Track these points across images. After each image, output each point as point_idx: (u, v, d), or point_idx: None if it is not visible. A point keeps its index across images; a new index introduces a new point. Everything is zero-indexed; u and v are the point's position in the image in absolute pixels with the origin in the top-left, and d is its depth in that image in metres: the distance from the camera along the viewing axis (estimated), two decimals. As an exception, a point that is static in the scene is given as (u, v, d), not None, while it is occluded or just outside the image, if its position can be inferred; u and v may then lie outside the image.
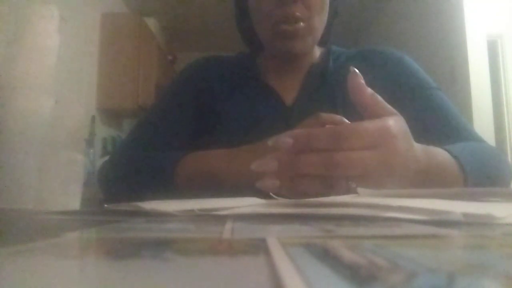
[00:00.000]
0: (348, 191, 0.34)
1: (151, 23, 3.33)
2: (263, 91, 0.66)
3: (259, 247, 0.13)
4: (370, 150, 0.34)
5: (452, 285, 0.08)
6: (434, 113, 0.62)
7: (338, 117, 0.45)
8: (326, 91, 0.65)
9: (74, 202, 0.41)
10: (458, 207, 0.21)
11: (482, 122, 2.18)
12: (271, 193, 0.37)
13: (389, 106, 0.39)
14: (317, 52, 0.71)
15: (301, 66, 0.67)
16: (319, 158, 0.34)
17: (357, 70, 0.38)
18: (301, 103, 0.64)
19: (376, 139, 0.35)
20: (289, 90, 0.66)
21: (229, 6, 0.72)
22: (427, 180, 0.40)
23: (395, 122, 0.36)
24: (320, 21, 0.62)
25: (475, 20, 2.30)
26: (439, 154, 0.45)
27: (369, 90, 0.38)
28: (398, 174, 0.36)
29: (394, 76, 0.66)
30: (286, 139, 0.35)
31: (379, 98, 0.38)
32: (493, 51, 2.36)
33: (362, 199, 0.28)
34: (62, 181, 0.40)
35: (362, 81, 0.38)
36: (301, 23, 0.59)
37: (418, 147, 0.40)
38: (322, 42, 0.71)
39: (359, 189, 0.32)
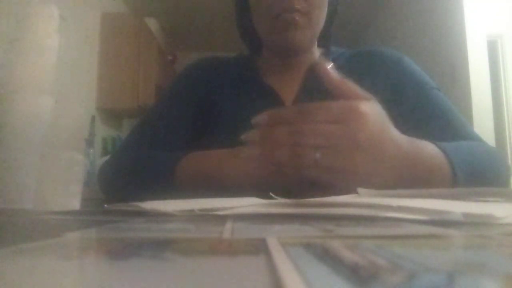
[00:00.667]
0: (315, 164, 0.38)
1: (151, 23, 3.33)
2: (262, 91, 0.66)
3: (259, 247, 0.13)
4: (334, 124, 0.38)
5: (452, 285, 0.08)
6: (433, 113, 0.62)
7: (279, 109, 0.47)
8: (325, 91, 0.65)
9: (74, 202, 0.41)
10: (458, 207, 0.21)
11: (482, 122, 2.18)
12: (271, 193, 0.37)
13: (363, 93, 0.42)
14: (317, 52, 0.71)
15: (300, 65, 0.67)
16: (287, 128, 0.39)
17: (323, 63, 0.42)
18: (301, 102, 0.64)
19: (340, 115, 0.39)
20: (288, 90, 0.66)
21: (229, 6, 0.73)
22: (415, 172, 0.41)
23: (365, 104, 0.40)
24: (319, 15, 0.62)
25: (475, 20, 2.30)
26: (428, 146, 0.45)
27: (337, 76, 0.42)
28: (368, 153, 0.38)
29: (393, 76, 0.66)
30: (262, 116, 0.42)
31: (351, 84, 0.42)
32: (493, 51, 2.36)
33: (362, 199, 0.28)
34: (62, 181, 0.40)
35: (328, 68, 0.42)
36: (300, 15, 0.60)
37: (402, 136, 0.42)
38: (322, 43, 0.71)
39: (359, 189, 0.32)
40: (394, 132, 0.41)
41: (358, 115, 0.38)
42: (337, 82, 0.41)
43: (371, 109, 0.39)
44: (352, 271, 0.09)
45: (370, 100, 0.40)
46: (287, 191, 0.40)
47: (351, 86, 0.41)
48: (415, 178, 0.42)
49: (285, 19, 0.60)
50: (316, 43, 0.69)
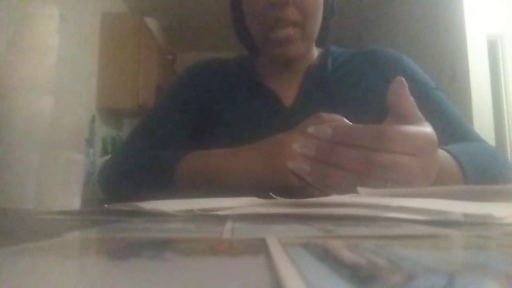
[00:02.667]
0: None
1: (151, 23, 3.33)
2: (262, 93, 0.66)
3: (259, 247, 0.13)
4: (415, 157, 0.33)
5: (452, 285, 0.08)
6: (433, 113, 0.62)
7: (338, 117, 0.45)
8: (325, 91, 0.65)
9: (74, 202, 0.41)
10: (458, 207, 0.21)
11: (482, 122, 2.18)
12: (271, 193, 0.37)
13: (421, 115, 0.38)
14: (315, 52, 0.71)
15: (299, 67, 0.67)
16: (360, 154, 0.33)
17: (403, 80, 0.38)
18: (300, 104, 0.64)
19: (420, 146, 0.34)
20: (288, 91, 0.66)
21: (229, 7, 0.73)
22: (435, 181, 0.40)
23: (433, 131, 0.36)
24: (314, 24, 0.62)
25: (475, 20, 2.30)
26: (442, 155, 0.45)
27: (412, 99, 0.37)
28: (431, 181, 0.35)
29: (393, 76, 0.65)
30: (326, 128, 0.35)
31: (416, 107, 0.38)
32: (493, 51, 2.36)
33: (362, 199, 0.28)
34: (62, 181, 0.40)
35: (407, 89, 0.37)
36: (294, 28, 0.58)
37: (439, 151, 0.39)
38: (320, 43, 0.71)
39: (359, 189, 0.32)
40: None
41: (433, 147, 0.35)
42: (410, 107, 0.37)
43: (436, 137, 0.36)
44: (352, 271, 0.09)
45: (430, 125, 0.37)
46: (287, 191, 0.40)
47: (417, 110, 0.38)
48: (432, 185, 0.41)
49: (279, 34, 0.58)
50: (313, 45, 0.69)
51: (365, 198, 0.28)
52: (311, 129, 0.36)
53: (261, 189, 0.41)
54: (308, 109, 0.56)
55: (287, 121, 0.60)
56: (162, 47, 3.58)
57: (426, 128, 0.36)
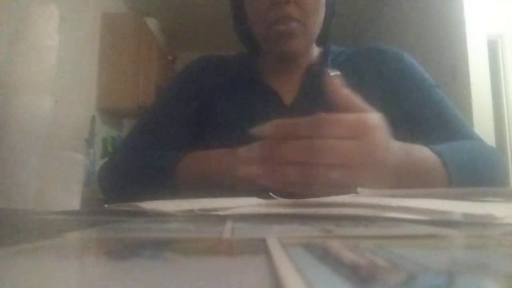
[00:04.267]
0: (328, 182, 0.34)
1: (151, 23, 3.33)
2: (262, 91, 0.66)
3: (259, 247, 0.13)
4: (351, 140, 0.35)
5: (452, 285, 0.08)
6: (432, 111, 0.62)
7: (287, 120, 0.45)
8: (325, 91, 0.65)
9: (74, 202, 0.41)
10: (458, 207, 0.21)
11: (482, 121, 2.18)
12: (271, 193, 0.37)
13: (365, 105, 0.39)
14: (316, 51, 0.71)
15: (299, 65, 0.67)
16: (299, 143, 0.35)
17: (333, 73, 0.39)
18: (300, 102, 0.64)
19: (356, 129, 0.36)
20: (288, 90, 0.66)
21: (229, 7, 0.73)
22: (406, 175, 0.41)
23: (373, 116, 0.37)
24: (315, 22, 0.62)
25: (475, 20, 2.30)
26: (419, 150, 0.45)
27: (345, 91, 0.39)
28: (377, 167, 0.37)
29: (393, 74, 0.66)
30: (267, 126, 0.37)
31: (355, 98, 0.39)
32: (493, 51, 2.36)
33: (362, 199, 0.28)
34: (62, 181, 0.40)
35: (338, 81, 0.39)
36: (295, 23, 0.59)
37: (395, 143, 0.40)
38: (321, 42, 0.71)
39: (359, 189, 0.32)
40: (393, 143, 0.40)
41: (371, 129, 0.36)
42: (341, 93, 0.39)
43: (378, 122, 0.37)
44: (352, 271, 0.09)
45: (373, 112, 0.38)
46: (287, 192, 0.40)
47: (354, 97, 0.39)
48: (410, 181, 0.41)
49: (280, 29, 0.59)
50: (314, 43, 0.69)
51: (365, 198, 0.28)
52: (255, 131, 0.37)
53: (260, 190, 0.41)
54: (308, 108, 0.56)
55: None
56: (162, 47, 3.58)
57: (363, 113, 0.37)
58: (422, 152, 0.46)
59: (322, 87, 0.40)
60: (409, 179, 0.41)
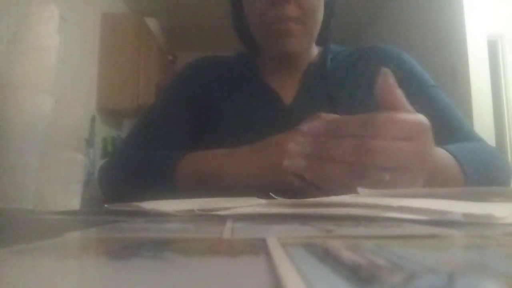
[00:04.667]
0: (380, 184, 0.33)
1: (151, 23, 3.33)
2: (262, 91, 0.66)
3: (259, 247, 0.13)
4: (407, 141, 0.33)
5: (452, 285, 0.08)
6: (433, 111, 0.61)
7: (338, 117, 0.45)
8: (325, 90, 0.65)
9: (74, 202, 0.41)
10: (458, 207, 0.21)
11: (482, 122, 2.18)
12: (271, 193, 0.37)
13: (411, 107, 0.38)
14: (315, 51, 0.71)
15: (299, 65, 0.67)
16: (352, 143, 0.33)
17: (389, 71, 0.37)
18: (300, 102, 0.64)
19: (412, 130, 0.34)
20: (288, 90, 0.66)
21: (229, 7, 0.73)
22: (432, 179, 0.40)
23: (424, 118, 0.36)
24: (315, 21, 0.62)
25: (475, 20, 2.30)
26: (442, 154, 0.45)
27: (398, 90, 0.37)
28: (428, 169, 0.35)
29: (392, 73, 0.65)
30: (318, 124, 0.35)
31: (405, 100, 0.37)
32: (493, 51, 2.36)
33: (362, 199, 0.28)
34: (62, 181, 0.40)
35: (393, 81, 0.37)
36: (294, 23, 0.59)
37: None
38: (321, 41, 0.71)
39: (359, 189, 0.32)
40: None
41: (425, 131, 0.34)
42: (395, 92, 0.37)
43: (429, 123, 0.36)
44: (352, 271, 0.09)
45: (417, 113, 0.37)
46: (287, 192, 0.40)
47: (406, 102, 0.37)
48: (432, 185, 0.41)
49: (279, 28, 0.59)
50: (314, 43, 0.69)
51: (365, 198, 0.28)
52: (304, 127, 0.36)
53: (260, 190, 0.41)
54: (308, 107, 0.56)
55: (287, 119, 0.60)
56: (162, 47, 3.58)
57: (416, 115, 0.36)
58: (444, 155, 0.45)
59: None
60: (434, 182, 0.40)
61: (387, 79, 0.37)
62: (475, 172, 0.47)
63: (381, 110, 0.37)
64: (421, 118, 0.35)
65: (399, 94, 0.37)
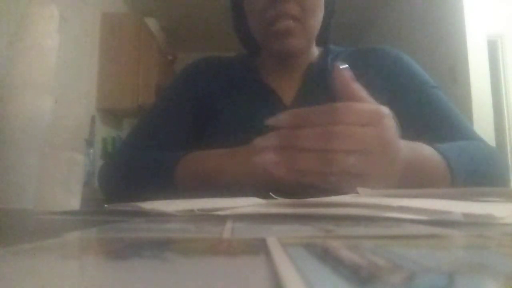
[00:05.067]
0: (346, 169, 0.34)
1: (151, 23, 3.33)
2: (262, 91, 0.66)
3: (259, 247, 0.13)
4: (365, 126, 0.35)
5: (452, 285, 0.08)
6: (432, 112, 0.62)
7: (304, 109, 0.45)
8: (325, 89, 0.65)
9: (74, 202, 0.41)
10: (458, 207, 0.21)
11: (482, 122, 2.18)
12: (271, 193, 0.37)
13: (373, 100, 0.40)
14: (316, 51, 0.71)
15: (299, 65, 0.67)
16: (317, 130, 0.35)
17: (344, 65, 0.39)
18: (300, 102, 0.64)
19: (369, 117, 0.36)
20: (288, 90, 0.66)
21: (229, 7, 0.73)
22: (412, 173, 0.41)
23: (384, 107, 0.38)
24: (315, 21, 0.62)
25: (475, 20, 2.30)
26: (423, 149, 0.45)
27: (355, 84, 0.39)
28: (392, 153, 0.37)
29: (392, 74, 0.66)
30: (284, 116, 0.37)
31: (365, 91, 0.39)
32: (493, 51, 2.36)
33: (362, 199, 0.28)
34: (62, 181, 0.40)
35: (350, 73, 0.39)
36: (294, 21, 0.59)
37: (402, 140, 0.41)
38: (321, 42, 0.71)
39: (359, 189, 0.32)
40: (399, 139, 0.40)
41: (385, 118, 0.36)
42: (352, 86, 0.38)
43: (389, 112, 0.38)
44: (352, 271, 0.09)
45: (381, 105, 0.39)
46: (287, 192, 0.40)
47: (366, 94, 0.39)
48: (415, 180, 0.41)
49: (279, 27, 0.59)
50: (314, 43, 0.69)
51: (365, 198, 0.28)
52: (270, 121, 0.37)
53: (260, 189, 0.41)
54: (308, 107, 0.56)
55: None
56: (162, 47, 3.58)
57: (375, 105, 0.38)
58: (427, 151, 0.46)
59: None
60: (414, 177, 0.41)
61: (343, 74, 0.39)
62: (463, 168, 0.47)
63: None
64: (379, 107, 0.37)
65: (357, 87, 0.39)
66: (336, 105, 0.36)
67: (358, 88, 0.39)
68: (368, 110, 0.36)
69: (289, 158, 0.36)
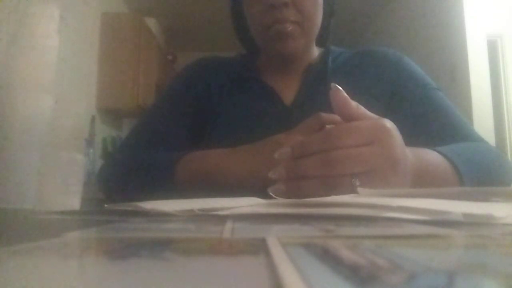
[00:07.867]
0: (353, 190, 0.34)
1: (151, 23, 3.33)
2: (262, 91, 0.66)
3: (259, 247, 0.13)
4: (368, 146, 0.35)
5: (452, 285, 0.08)
6: (434, 114, 0.62)
7: (337, 117, 0.45)
8: (325, 90, 0.65)
9: (74, 202, 0.41)
10: (458, 207, 0.21)
11: (482, 122, 2.18)
12: (271, 193, 0.37)
13: (373, 114, 0.39)
14: (316, 52, 0.71)
15: (299, 66, 0.67)
16: (316, 158, 0.35)
17: (337, 86, 0.39)
18: (300, 102, 0.64)
19: (370, 134, 0.35)
20: (288, 90, 0.66)
21: (229, 7, 0.73)
22: (419, 180, 0.40)
23: (386, 121, 0.37)
24: (313, 23, 0.62)
25: (475, 20, 2.30)
26: (428, 154, 0.45)
27: (354, 102, 0.38)
28: (401, 169, 0.36)
29: (393, 77, 0.66)
30: (285, 149, 0.37)
31: (363, 108, 0.39)
32: (493, 51, 2.36)
33: (362, 199, 0.28)
34: (62, 181, 0.40)
35: (345, 94, 0.38)
36: (292, 25, 0.59)
37: (409, 148, 0.40)
38: (321, 42, 0.71)
39: (359, 189, 0.32)
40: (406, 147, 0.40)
41: (386, 133, 0.36)
42: (355, 110, 0.38)
43: (392, 125, 0.37)
44: (352, 271, 0.09)
45: (384, 118, 0.38)
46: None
47: (365, 110, 0.39)
48: (421, 187, 0.41)
49: (278, 30, 0.59)
50: (313, 44, 0.69)
51: (365, 198, 0.28)
52: (276, 155, 0.38)
53: (261, 189, 0.41)
54: (308, 108, 0.56)
55: (287, 119, 0.60)
56: (162, 47, 3.58)
57: (375, 118, 0.37)
58: (431, 155, 0.45)
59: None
60: (422, 183, 0.40)
61: (338, 94, 0.38)
62: (470, 171, 0.46)
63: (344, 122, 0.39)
64: (381, 121, 0.36)
65: (354, 104, 0.38)
66: (337, 128, 0.36)
67: (356, 106, 0.38)
68: (370, 128, 0.36)
69: (298, 187, 0.36)
